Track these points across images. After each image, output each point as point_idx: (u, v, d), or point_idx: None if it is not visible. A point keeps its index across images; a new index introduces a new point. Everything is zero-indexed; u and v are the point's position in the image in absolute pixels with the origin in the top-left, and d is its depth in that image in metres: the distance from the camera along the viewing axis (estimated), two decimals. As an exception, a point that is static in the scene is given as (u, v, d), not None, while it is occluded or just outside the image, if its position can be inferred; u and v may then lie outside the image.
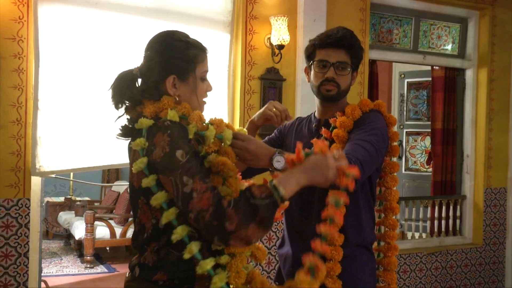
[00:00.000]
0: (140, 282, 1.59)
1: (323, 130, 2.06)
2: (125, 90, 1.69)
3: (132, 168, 1.57)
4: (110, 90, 1.72)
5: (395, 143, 2.11)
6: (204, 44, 1.74)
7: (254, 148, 1.77)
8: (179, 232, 1.52)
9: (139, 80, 1.71)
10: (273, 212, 1.47)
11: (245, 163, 1.89)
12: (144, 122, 1.57)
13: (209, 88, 1.74)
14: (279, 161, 1.74)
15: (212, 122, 1.65)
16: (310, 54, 2.11)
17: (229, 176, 1.61)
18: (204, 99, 1.74)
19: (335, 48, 2.03)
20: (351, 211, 1.97)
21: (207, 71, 1.72)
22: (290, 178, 1.53)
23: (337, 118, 2.04)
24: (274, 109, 2.06)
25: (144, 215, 1.60)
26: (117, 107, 1.70)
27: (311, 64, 2.10)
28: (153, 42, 1.70)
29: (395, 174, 2.15)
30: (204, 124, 1.63)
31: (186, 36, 1.71)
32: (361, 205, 2.03)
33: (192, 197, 1.45)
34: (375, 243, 2.16)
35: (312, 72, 2.10)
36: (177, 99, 1.65)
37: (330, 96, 2.06)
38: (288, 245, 2.15)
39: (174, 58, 1.64)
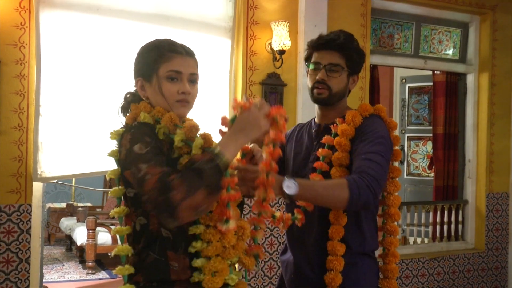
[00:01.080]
0: (128, 282, 1.63)
1: (325, 138, 2.01)
2: (125, 101, 1.78)
3: (106, 176, 1.65)
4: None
5: (397, 147, 2.09)
6: (181, 46, 1.70)
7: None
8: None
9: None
10: (218, 176, 1.46)
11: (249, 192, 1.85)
12: (116, 132, 1.63)
13: (181, 89, 1.65)
14: (289, 187, 1.73)
15: (202, 136, 1.63)
16: (308, 57, 2.10)
17: None
18: (176, 100, 1.65)
19: (327, 50, 2.01)
20: (352, 220, 1.95)
21: (177, 71, 1.65)
22: (228, 142, 1.54)
23: (337, 124, 2.01)
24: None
25: (129, 218, 1.66)
26: (124, 115, 1.77)
27: (308, 66, 2.09)
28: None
29: (397, 179, 2.13)
30: (177, 125, 1.60)
31: (161, 41, 1.71)
32: (362, 213, 1.99)
33: (144, 179, 1.46)
34: (380, 250, 2.13)
35: (308, 75, 2.10)
36: (147, 101, 1.69)
37: (322, 99, 2.03)
38: (289, 252, 2.14)
39: (138, 61, 1.71)
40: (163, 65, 1.65)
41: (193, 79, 1.69)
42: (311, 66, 2.05)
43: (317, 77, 2.01)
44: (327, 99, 2.02)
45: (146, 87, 1.69)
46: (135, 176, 1.50)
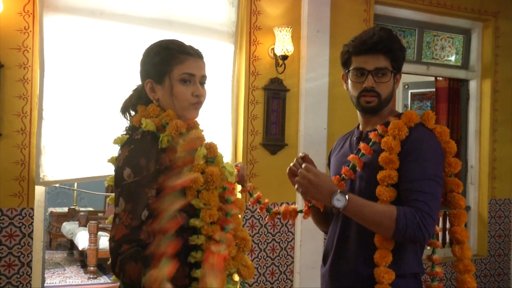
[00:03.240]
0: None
1: (362, 145, 1.87)
2: (128, 102, 1.75)
3: (105, 182, 1.66)
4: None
5: (453, 157, 1.89)
6: (193, 48, 1.69)
7: (317, 182, 1.73)
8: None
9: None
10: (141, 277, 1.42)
11: (306, 196, 1.86)
12: (119, 139, 1.62)
13: (195, 92, 1.65)
14: (339, 200, 1.69)
15: (206, 146, 1.64)
16: (345, 61, 1.92)
17: (203, 189, 1.59)
18: (191, 103, 1.65)
19: (372, 54, 1.83)
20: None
21: (190, 73, 1.64)
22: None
23: (378, 132, 1.85)
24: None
25: None
26: (123, 115, 1.75)
27: (348, 72, 1.91)
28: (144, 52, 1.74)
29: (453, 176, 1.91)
30: (183, 134, 1.59)
31: (172, 41, 1.70)
32: None
33: (115, 219, 1.51)
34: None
35: (349, 82, 1.91)
36: (157, 103, 1.67)
37: (371, 108, 1.86)
38: (326, 264, 2.02)
39: (149, 62, 1.67)
40: (177, 67, 1.63)
41: (203, 81, 1.69)
42: (354, 73, 1.87)
43: (364, 85, 1.84)
44: (377, 106, 1.86)
45: (156, 89, 1.66)
46: (115, 203, 1.55)
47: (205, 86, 1.71)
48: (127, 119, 1.74)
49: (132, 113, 1.73)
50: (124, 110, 1.74)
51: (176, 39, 1.73)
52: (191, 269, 1.56)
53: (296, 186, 1.82)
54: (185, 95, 1.64)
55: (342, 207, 1.70)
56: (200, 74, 1.67)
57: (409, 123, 1.82)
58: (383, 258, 1.77)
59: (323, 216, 2.09)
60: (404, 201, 1.74)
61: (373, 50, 1.83)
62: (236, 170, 1.79)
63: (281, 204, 4.15)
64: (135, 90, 1.77)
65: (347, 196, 1.70)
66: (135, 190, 1.51)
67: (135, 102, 1.72)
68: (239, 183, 1.93)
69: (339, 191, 1.71)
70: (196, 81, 1.66)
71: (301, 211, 2.06)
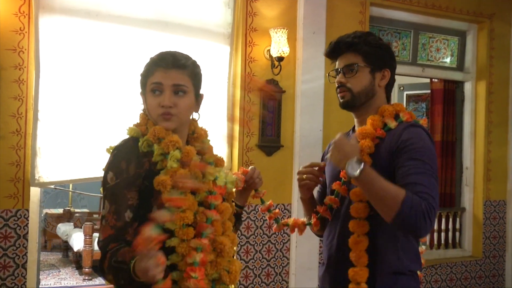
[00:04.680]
0: None
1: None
2: None
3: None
4: None
5: None
6: (164, 56, 1.68)
7: (337, 144, 1.77)
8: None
9: None
10: (122, 277, 1.50)
11: (330, 159, 1.84)
12: (111, 148, 1.68)
13: (161, 102, 1.62)
14: (353, 168, 1.69)
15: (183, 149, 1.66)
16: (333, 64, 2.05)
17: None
18: (158, 114, 1.64)
19: (342, 54, 1.95)
20: (388, 235, 1.82)
21: (156, 83, 1.64)
22: (141, 263, 1.44)
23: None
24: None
25: None
26: None
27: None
28: None
29: None
30: (161, 139, 1.62)
31: (158, 54, 1.72)
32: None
33: (101, 221, 1.60)
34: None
35: None
36: (146, 113, 1.71)
37: (346, 102, 1.94)
38: (325, 266, 2.04)
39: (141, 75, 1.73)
40: (149, 79, 1.67)
41: (177, 90, 1.64)
42: (333, 74, 2.00)
43: (335, 82, 1.96)
44: (351, 101, 1.93)
45: (143, 100, 1.73)
46: (102, 205, 1.64)
47: (189, 94, 1.68)
48: None
49: None
50: None
51: (171, 51, 1.73)
52: (170, 271, 1.57)
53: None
54: (153, 106, 1.65)
55: (354, 175, 1.70)
56: (170, 83, 1.63)
57: (385, 117, 1.89)
58: (359, 258, 1.81)
59: (320, 220, 2.08)
60: (410, 187, 1.72)
61: (339, 51, 1.95)
62: (239, 176, 1.83)
63: (277, 205, 4.17)
64: None
65: (361, 165, 1.69)
66: (117, 192, 1.58)
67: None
68: (249, 187, 1.91)
69: (356, 158, 1.71)
70: (164, 90, 1.64)
71: (309, 224, 2.04)
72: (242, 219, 2.09)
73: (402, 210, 1.65)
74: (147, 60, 1.72)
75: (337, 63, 1.98)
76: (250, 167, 1.92)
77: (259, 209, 2.11)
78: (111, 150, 1.67)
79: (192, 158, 1.63)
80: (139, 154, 1.62)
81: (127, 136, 1.68)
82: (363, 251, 1.82)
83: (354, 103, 1.93)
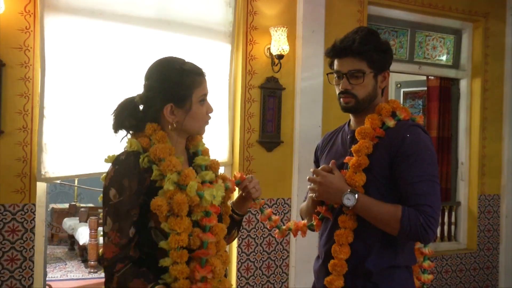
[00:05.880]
0: None
1: (354, 147, 1.89)
2: (125, 119, 1.70)
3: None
4: (112, 116, 1.72)
5: None
6: (200, 67, 1.71)
7: (326, 183, 1.80)
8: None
9: (141, 107, 1.72)
10: None
11: (316, 198, 1.89)
12: (110, 158, 1.66)
13: (209, 110, 1.74)
14: (349, 199, 1.76)
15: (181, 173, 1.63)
16: (330, 64, 1.97)
17: (170, 215, 1.59)
18: (206, 121, 1.74)
19: (346, 57, 1.86)
20: (387, 233, 1.81)
21: (205, 93, 1.71)
22: None
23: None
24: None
25: None
26: (115, 132, 1.71)
27: (332, 74, 1.96)
28: (151, 72, 1.71)
29: None
30: (162, 160, 1.60)
31: (182, 62, 1.71)
32: None
33: (104, 238, 1.59)
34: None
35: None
36: (174, 125, 1.68)
37: (350, 108, 1.90)
38: (319, 261, 2.05)
39: (171, 88, 1.66)
40: (197, 89, 1.68)
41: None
42: (334, 75, 1.93)
43: (340, 87, 1.89)
44: (355, 107, 1.89)
45: (176, 112, 1.67)
46: (103, 221, 1.60)
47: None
48: (117, 132, 1.72)
49: (123, 131, 1.71)
50: (121, 125, 1.71)
51: (178, 57, 1.73)
52: None
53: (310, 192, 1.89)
54: (202, 115, 1.71)
55: (351, 205, 1.76)
56: (208, 91, 1.73)
57: (383, 115, 1.88)
58: (342, 236, 1.85)
59: (322, 220, 2.07)
60: (407, 204, 1.76)
61: (345, 54, 1.87)
62: (233, 182, 1.83)
63: (277, 200, 4.16)
64: (135, 108, 1.71)
65: (356, 196, 1.76)
66: (121, 210, 1.56)
67: (142, 122, 1.70)
68: (247, 196, 1.88)
69: (349, 190, 1.77)
70: (207, 99, 1.72)
71: (311, 225, 2.03)
72: (243, 223, 2.07)
73: (402, 228, 1.73)
74: (177, 70, 1.66)
75: (337, 63, 1.91)
76: (247, 176, 1.88)
77: (259, 218, 2.10)
78: (110, 161, 1.64)
79: (189, 182, 1.60)
80: (140, 170, 1.60)
81: (126, 147, 1.65)
82: (346, 245, 1.85)
83: (357, 108, 1.91)
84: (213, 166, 1.82)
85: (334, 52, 1.90)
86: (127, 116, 1.69)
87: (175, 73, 1.66)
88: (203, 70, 1.72)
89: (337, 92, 1.93)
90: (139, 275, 1.54)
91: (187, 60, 1.74)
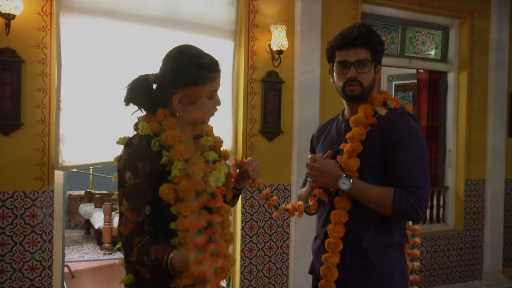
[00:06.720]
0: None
1: (348, 134, 1.89)
2: (137, 95, 1.68)
3: (112, 178, 1.64)
4: (125, 90, 1.70)
5: None
6: (218, 62, 1.69)
7: (323, 169, 1.81)
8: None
9: (154, 86, 1.69)
10: (159, 273, 1.48)
11: (315, 184, 1.89)
12: (122, 140, 1.63)
13: (217, 104, 1.70)
14: (344, 183, 1.78)
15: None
16: (330, 56, 1.94)
17: (178, 200, 1.58)
18: (211, 114, 1.71)
19: (353, 48, 1.85)
20: (381, 214, 1.82)
21: (216, 89, 1.68)
22: (183, 258, 1.46)
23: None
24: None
25: None
26: (127, 105, 1.69)
27: (333, 65, 1.93)
28: (169, 57, 1.67)
29: None
30: (172, 147, 1.59)
31: (201, 54, 1.66)
32: None
33: (121, 217, 1.56)
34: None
35: (334, 74, 1.93)
36: (181, 113, 1.64)
37: (355, 96, 1.89)
38: (317, 241, 2.05)
39: (184, 80, 1.62)
40: (209, 85, 1.65)
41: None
42: (339, 65, 1.89)
43: (347, 76, 1.86)
44: (360, 94, 1.88)
45: (185, 101, 1.64)
46: (119, 203, 1.57)
47: None
48: (128, 106, 1.69)
49: (133, 106, 1.68)
50: (132, 100, 1.69)
51: (196, 48, 1.70)
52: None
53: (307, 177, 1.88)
54: (209, 108, 1.68)
55: (347, 189, 1.78)
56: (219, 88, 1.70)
57: (375, 105, 1.89)
58: (337, 215, 1.87)
59: (318, 202, 2.07)
60: (398, 186, 1.77)
61: (353, 44, 1.85)
62: (234, 167, 1.81)
63: (277, 186, 4.18)
64: (147, 86, 1.68)
65: (351, 180, 1.77)
66: (136, 191, 1.54)
67: (153, 104, 1.67)
68: (247, 177, 1.87)
69: (344, 175, 1.78)
70: (217, 94, 1.69)
71: (308, 206, 2.02)
72: (246, 207, 2.04)
73: (394, 208, 1.74)
74: (194, 62, 1.63)
75: (343, 54, 1.88)
76: (248, 158, 1.88)
77: (258, 198, 2.11)
78: (122, 143, 1.62)
79: (196, 170, 1.59)
80: (153, 153, 1.57)
81: (138, 131, 1.62)
82: (341, 224, 1.87)
83: (362, 96, 1.90)
84: (217, 144, 1.81)
85: (346, 42, 1.87)
86: (139, 92, 1.67)
87: (191, 67, 1.62)
88: (219, 66, 1.68)
89: (340, 82, 1.90)
90: (159, 242, 1.52)
91: (205, 51, 1.69)
